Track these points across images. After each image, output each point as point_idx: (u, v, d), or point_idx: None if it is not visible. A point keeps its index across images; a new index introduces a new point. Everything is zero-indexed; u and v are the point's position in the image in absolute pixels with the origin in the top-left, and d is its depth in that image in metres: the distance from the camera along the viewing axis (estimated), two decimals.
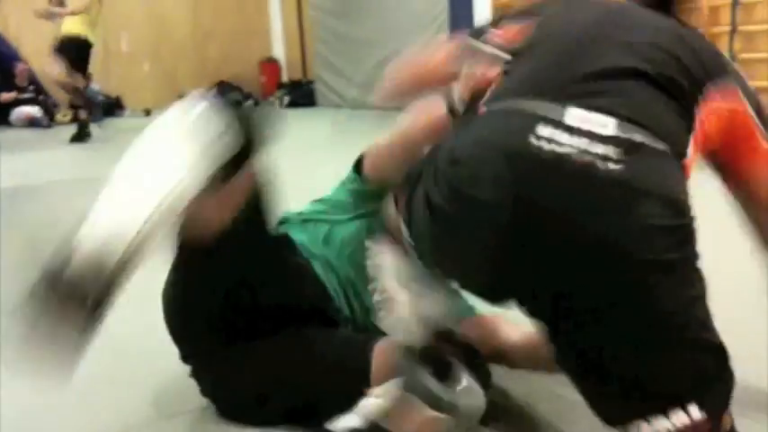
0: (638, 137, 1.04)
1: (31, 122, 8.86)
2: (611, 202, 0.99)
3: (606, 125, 1.04)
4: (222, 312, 1.44)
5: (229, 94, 1.26)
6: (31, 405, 1.69)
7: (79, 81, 7.06)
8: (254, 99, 10.69)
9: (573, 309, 1.03)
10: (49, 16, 6.94)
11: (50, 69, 6.98)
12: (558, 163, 1.01)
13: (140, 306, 1.63)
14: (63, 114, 9.18)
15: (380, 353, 1.41)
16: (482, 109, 1.18)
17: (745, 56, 5.17)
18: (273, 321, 1.48)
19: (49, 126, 8.79)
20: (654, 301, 0.99)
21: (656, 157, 1.05)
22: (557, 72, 1.14)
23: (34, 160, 6.20)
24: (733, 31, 5.31)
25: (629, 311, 1.00)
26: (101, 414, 1.65)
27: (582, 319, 1.03)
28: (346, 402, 1.31)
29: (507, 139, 1.06)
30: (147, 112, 9.69)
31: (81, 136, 7.06)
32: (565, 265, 1.01)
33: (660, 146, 1.06)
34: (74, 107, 7.42)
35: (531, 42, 1.23)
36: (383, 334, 1.51)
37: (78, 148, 6.82)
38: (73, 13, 6.78)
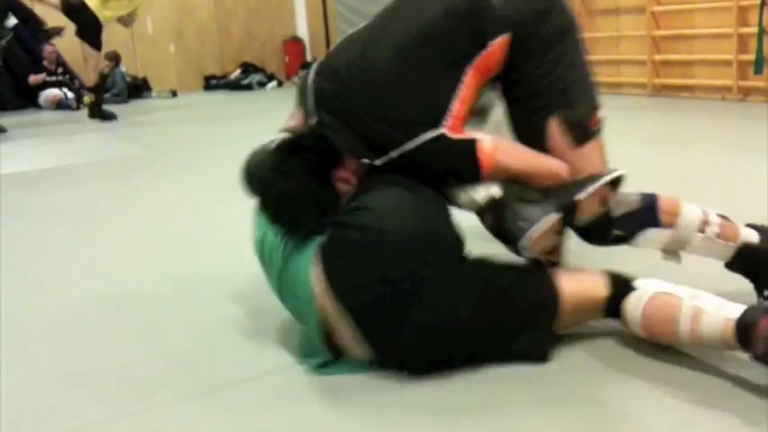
0: None
1: (59, 105, 8.97)
2: None
3: None
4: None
5: None
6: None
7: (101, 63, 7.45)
8: (278, 79, 10.69)
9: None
10: None
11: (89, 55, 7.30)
12: None
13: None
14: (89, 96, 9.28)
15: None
16: None
17: None
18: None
19: (77, 108, 8.88)
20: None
21: None
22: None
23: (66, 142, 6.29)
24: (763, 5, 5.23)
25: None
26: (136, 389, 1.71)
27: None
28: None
29: None
30: (174, 93, 9.75)
31: (95, 115, 7.41)
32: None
33: None
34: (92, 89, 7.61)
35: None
36: None
37: (107, 129, 6.90)
38: None
